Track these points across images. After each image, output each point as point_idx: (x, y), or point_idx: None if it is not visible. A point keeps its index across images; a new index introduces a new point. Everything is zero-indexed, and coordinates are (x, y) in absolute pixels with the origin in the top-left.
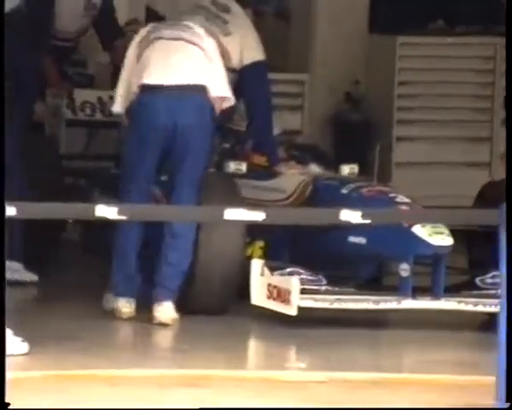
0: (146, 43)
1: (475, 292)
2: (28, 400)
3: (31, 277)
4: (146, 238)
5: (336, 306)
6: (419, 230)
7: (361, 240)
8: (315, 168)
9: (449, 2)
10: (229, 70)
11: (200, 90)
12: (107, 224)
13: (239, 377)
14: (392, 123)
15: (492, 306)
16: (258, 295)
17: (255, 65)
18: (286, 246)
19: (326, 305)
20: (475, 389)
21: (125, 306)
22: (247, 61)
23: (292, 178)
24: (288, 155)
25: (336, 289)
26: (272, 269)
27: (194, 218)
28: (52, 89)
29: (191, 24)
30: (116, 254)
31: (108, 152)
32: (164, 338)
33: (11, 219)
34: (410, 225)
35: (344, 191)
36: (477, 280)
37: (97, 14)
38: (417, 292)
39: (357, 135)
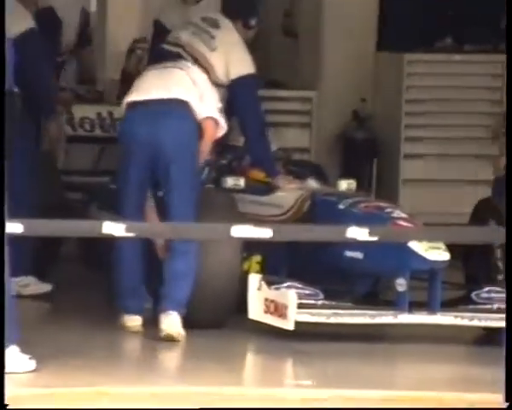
0: None
1: (471, 307)
2: None
3: (45, 287)
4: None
5: (333, 320)
6: (416, 245)
7: (358, 255)
8: (312, 183)
9: (456, 19)
10: (218, 85)
11: (182, 104)
12: (110, 239)
13: (244, 395)
14: (400, 141)
15: (488, 320)
16: (256, 310)
17: (242, 79)
18: (283, 261)
19: (323, 319)
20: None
21: (132, 321)
22: (234, 75)
23: (290, 193)
24: (285, 171)
25: (333, 303)
26: (269, 284)
27: (201, 235)
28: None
29: (187, 63)
30: (119, 269)
31: (107, 167)
32: (168, 355)
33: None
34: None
35: (341, 207)
36: (473, 295)
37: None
38: (414, 307)
39: (364, 153)
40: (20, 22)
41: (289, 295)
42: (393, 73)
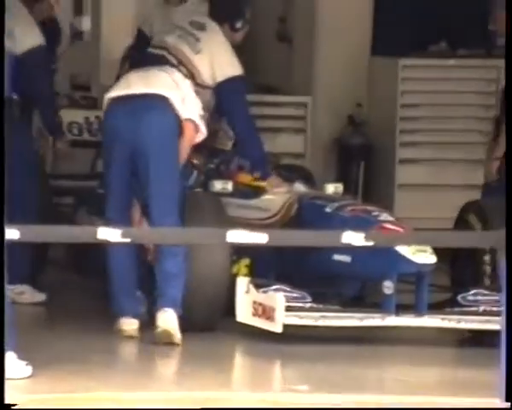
0: None
1: (458, 309)
2: None
3: (39, 297)
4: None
5: (321, 323)
6: (403, 248)
7: (345, 258)
8: (300, 187)
9: (451, 24)
10: (204, 87)
11: (163, 99)
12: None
13: (239, 400)
14: (395, 145)
15: (474, 323)
16: (244, 313)
17: (229, 81)
18: (271, 264)
19: (311, 322)
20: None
21: (128, 324)
22: (220, 78)
23: (277, 196)
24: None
25: (321, 306)
26: (258, 286)
27: (196, 240)
28: None
29: (172, 68)
30: (113, 272)
31: (95, 171)
32: (162, 359)
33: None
34: None
35: (328, 210)
36: (459, 297)
37: None
38: (401, 309)
39: (359, 158)
40: (29, 37)
41: (277, 297)
42: (388, 77)
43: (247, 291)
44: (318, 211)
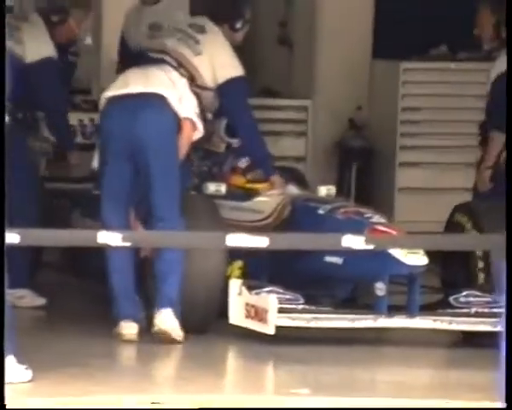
0: None
1: (450, 311)
2: None
3: (39, 301)
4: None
5: (313, 324)
6: (395, 250)
7: (337, 260)
8: (293, 189)
9: (452, 28)
10: (206, 89)
11: (161, 98)
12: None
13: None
14: (396, 149)
15: (466, 324)
16: (237, 315)
17: (230, 82)
18: (264, 265)
19: (303, 323)
20: None
21: (128, 329)
22: (222, 79)
23: (270, 199)
24: None
25: (313, 307)
26: (250, 288)
27: (197, 244)
28: None
29: (168, 67)
30: (112, 275)
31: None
32: (158, 362)
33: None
34: None
35: (321, 212)
36: (451, 299)
37: None
38: (393, 311)
39: (360, 161)
40: (41, 48)
41: (270, 299)
42: (389, 81)
43: (240, 293)
44: (311, 213)
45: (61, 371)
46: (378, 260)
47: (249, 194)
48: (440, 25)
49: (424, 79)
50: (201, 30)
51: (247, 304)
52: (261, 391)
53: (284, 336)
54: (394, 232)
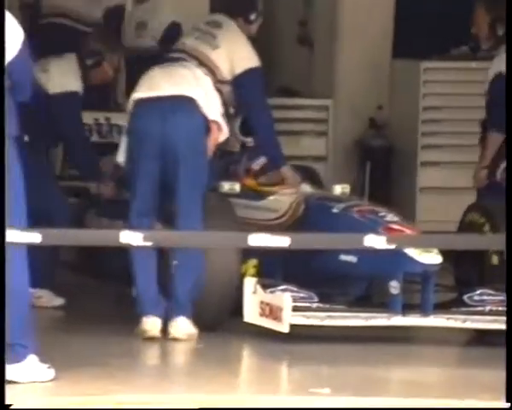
0: None
1: (464, 309)
2: None
3: (58, 301)
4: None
5: (327, 323)
6: (409, 248)
7: (352, 258)
8: (307, 188)
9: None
10: (224, 83)
11: (190, 100)
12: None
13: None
14: (417, 148)
15: (480, 322)
16: (251, 313)
17: (246, 73)
18: (279, 264)
19: (317, 322)
20: None
21: (151, 325)
22: (238, 70)
23: (284, 197)
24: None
25: (327, 306)
26: (265, 287)
27: (218, 243)
28: None
29: (191, 64)
30: (137, 273)
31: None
32: (180, 360)
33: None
34: None
35: (335, 211)
36: (465, 297)
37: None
38: (407, 309)
39: (381, 160)
40: (68, 81)
41: (284, 298)
42: (410, 80)
43: (255, 291)
44: (325, 212)
45: (81, 370)
46: (392, 259)
47: (263, 193)
48: (461, 24)
49: (445, 79)
50: (217, 25)
51: (261, 302)
52: (276, 390)
53: (298, 334)
54: (408, 231)
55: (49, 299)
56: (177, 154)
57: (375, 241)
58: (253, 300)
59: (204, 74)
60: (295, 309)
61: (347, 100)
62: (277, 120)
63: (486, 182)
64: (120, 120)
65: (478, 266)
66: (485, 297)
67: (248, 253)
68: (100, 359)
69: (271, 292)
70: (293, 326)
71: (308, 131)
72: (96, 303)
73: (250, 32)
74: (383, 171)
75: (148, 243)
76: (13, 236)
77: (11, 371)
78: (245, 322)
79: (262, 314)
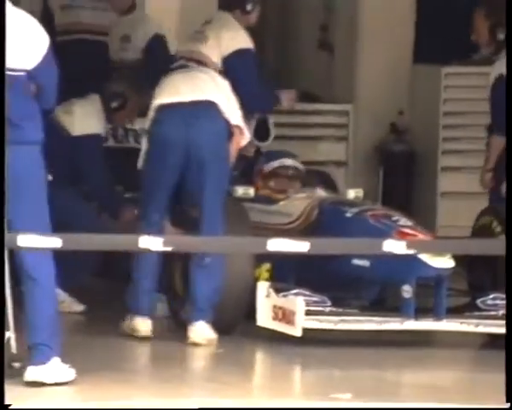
0: None
1: (477, 313)
2: None
3: (78, 307)
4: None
5: (340, 327)
6: None
7: (365, 263)
8: (321, 192)
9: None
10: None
11: (213, 105)
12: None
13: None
14: (438, 153)
15: (493, 327)
16: (264, 317)
17: (235, 53)
18: (292, 268)
19: (330, 326)
20: None
21: (144, 325)
22: (227, 51)
23: (298, 202)
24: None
25: (340, 310)
26: (278, 291)
27: (238, 248)
28: None
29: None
30: (139, 273)
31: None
32: (197, 366)
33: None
34: None
35: (348, 215)
36: (478, 302)
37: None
38: (420, 313)
39: (401, 165)
40: (90, 123)
41: (297, 302)
42: (430, 85)
43: (268, 295)
44: (339, 216)
45: (101, 375)
46: (405, 263)
47: (277, 197)
48: None
49: (466, 84)
50: (208, 22)
51: (274, 306)
52: (289, 394)
53: (311, 338)
54: (421, 235)
55: (69, 304)
56: (200, 159)
57: (395, 246)
58: (266, 304)
59: (222, 78)
60: (308, 313)
61: (368, 105)
62: (298, 125)
63: (492, 185)
64: (137, 124)
65: (491, 270)
66: (498, 302)
67: (262, 257)
68: (117, 363)
69: (284, 296)
70: (305, 330)
71: (328, 137)
72: (113, 307)
73: (249, 22)
74: (404, 176)
75: (168, 248)
76: (33, 240)
77: (36, 372)
78: (258, 326)
79: (275, 318)
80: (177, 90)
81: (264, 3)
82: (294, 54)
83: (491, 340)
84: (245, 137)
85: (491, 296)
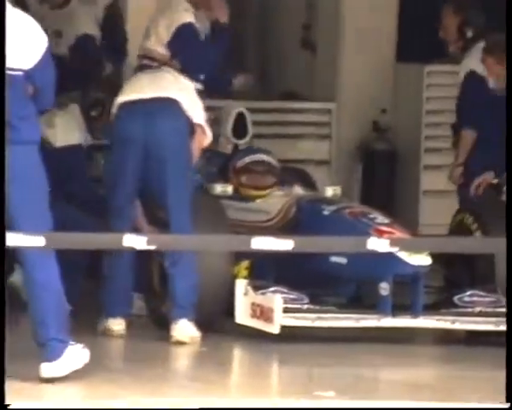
0: None
1: (453, 310)
2: None
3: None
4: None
5: (318, 324)
6: None
7: (342, 260)
8: (299, 190)
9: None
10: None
11: (175, 103)
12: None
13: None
14: (420, 152)
15: (470, 323)
16: (243, 314)
17: (178, 30)
18: (270, 265)
19: (308, 323)
20: None
21: (117, 325)
22: (165, 39)
23: (276, 199)
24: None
25: (318, 307)
26: (256, 288)
27: (221, 247)
28: None
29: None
30: (112, 274)
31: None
32: (174, 362)
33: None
34: None
35: (326, 213)
36: (455, 299)
37: None
38: (397, 310)
39: (384, 163)
40: (71, 134)
41: (275, 299)
42: (413, 83)
43: (246, 293)
44: (316, 213)
45: (84, 374)
46: (382, 260)
47: (255, 195)
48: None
49: (448, 82)
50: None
51: (252, 304)
52: (267, 391)
53: (289, 335)
54: (399, 233)
55: None
56: (161, 157)
57: (378, 244)
58: (245, 301)
59: (186, 80)
60: (286, 311)
61: (350, 103)
62: (280, 123)
63: (461, 181)
64: None
65: (468, 267)
66: (475, 298)
67: (240, 254)
68: (101, 363)
69: (262, 294)
70: (283, 327)
71: (311, 135)
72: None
73: (216, 15)
74: (386, 174)
75: (152, 247)
76: (17, 239)
77: (51, 368)
78: (236, 323)
79: (253, 316)
80: (140, 88)
81: (247, 1)
82: (277, 52)
83: (468, 337)
84: (207, 137)
85: (468, 293)
